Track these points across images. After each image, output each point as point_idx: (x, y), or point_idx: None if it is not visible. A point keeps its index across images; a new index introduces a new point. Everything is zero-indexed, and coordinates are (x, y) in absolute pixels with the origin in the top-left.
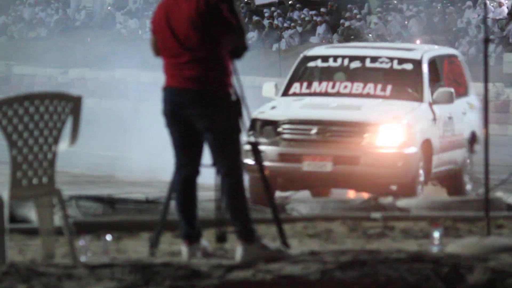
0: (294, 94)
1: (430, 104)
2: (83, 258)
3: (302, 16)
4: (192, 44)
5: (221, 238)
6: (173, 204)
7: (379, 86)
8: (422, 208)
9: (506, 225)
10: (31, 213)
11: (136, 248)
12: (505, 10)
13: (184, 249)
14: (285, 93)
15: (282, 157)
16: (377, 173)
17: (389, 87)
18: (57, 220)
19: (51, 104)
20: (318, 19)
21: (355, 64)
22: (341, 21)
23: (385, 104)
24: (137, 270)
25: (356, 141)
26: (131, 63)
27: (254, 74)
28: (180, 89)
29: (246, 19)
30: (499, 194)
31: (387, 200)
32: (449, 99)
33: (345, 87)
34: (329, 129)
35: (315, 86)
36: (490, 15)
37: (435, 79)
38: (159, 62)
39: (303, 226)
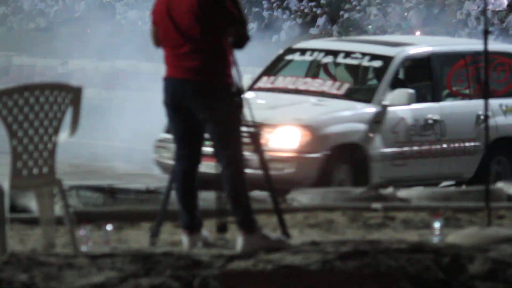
0: (259, 89)
1: (384, 106)
2: (83, 248)
3: (302, 7)
4: (193, 35)
5: (221, 228)
6: (173, 194)
7: (337, 84)
8: (422, 198)
9: (507, 215)
10: (31, 202)
11: (137, 238)
12: (504, 1)
13: (184, 239)
14: (251, 88)
15: None
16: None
17: (346, 86)
18: (58, 209)
19: (51, 94)
20: (318, 10)
21: (327, 59)
22: (341, 12)
23: (315, 104)
24: (138, 259)
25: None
26: (131, 53)
27: (254, 65)
28: (181, 79)
29: (246, 10)
30: (499, 184)
31: (388, 190)
32: (406, 101)
33: (305, 83)
34: None
35: (279, 81)
36: (490, 6)
37: (421, 78)
38: (158, 52)
39: (303, 216)
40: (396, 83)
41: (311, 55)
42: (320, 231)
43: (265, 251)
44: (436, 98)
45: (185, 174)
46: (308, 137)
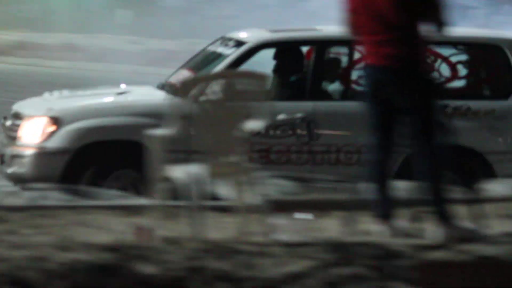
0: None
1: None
2: (278, 236)
3: None
4: (395, 22)
5: (416, 218)
6: (368, 183)
7: (189, 75)
8: None
9: None
10: (222, 190)
11: (331, 227)
12: None
13: (379, 228)
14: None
15: None
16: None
17: None
18: (252, 198)
19: (244, 82)
20: None
21: (219, 49)
22: None
23: (117, 94)
24: (333, 249)
25: (19, 137)
26: None
27: None
28: (381, 67)
29: None
30: None
31: None
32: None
33: (180, 75)
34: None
35: (178, 74)
36: None
37: (289, 70)
38: None
39: (500, 206)
40: None
41: (213, 45)
42: None
43: (461, 241)
44: (305, 95)
45: (381, 163)
46: (54, 131)
